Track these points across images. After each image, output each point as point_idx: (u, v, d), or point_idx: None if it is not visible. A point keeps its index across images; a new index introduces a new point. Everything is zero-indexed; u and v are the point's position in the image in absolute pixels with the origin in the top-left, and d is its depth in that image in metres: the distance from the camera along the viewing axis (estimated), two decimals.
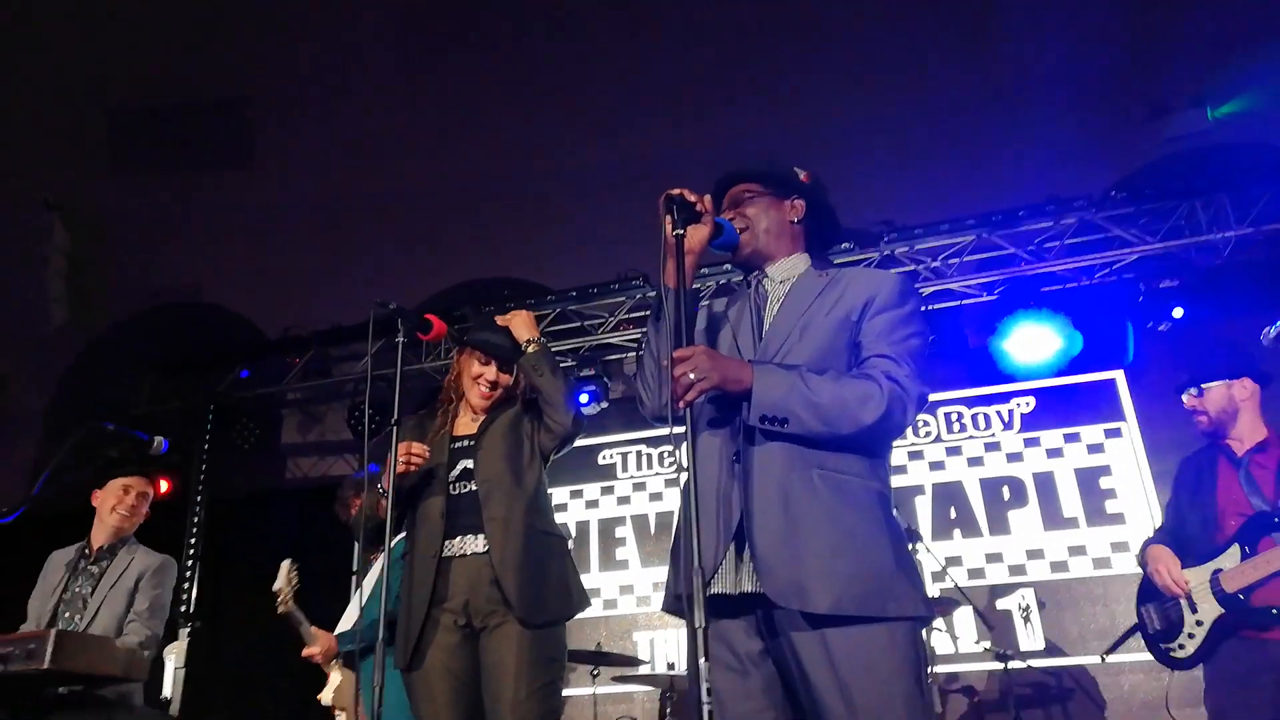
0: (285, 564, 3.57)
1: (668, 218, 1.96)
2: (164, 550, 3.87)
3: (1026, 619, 5.36)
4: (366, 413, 4.72)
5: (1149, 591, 3.30)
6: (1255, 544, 3.01)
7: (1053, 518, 5.53)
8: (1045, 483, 5.63)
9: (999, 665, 4.57)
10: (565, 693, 2.73)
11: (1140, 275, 5.59)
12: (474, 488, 2.72)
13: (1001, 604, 5.44)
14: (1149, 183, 5.60)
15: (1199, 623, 3.09)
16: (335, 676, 3.48)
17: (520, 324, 2.85)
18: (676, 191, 1.97)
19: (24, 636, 2.80)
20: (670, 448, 6.26)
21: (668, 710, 4.62)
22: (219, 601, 6.60)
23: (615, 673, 4.95)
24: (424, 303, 6.74)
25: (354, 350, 6.88)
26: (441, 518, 2.70)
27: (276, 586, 3.53)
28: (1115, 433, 5.59)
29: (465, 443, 2.82)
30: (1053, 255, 5.67)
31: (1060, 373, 5.66)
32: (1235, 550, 3.05)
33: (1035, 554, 5.50)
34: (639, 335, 6.29)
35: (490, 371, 2.87)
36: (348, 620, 3.65)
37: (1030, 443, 5.74)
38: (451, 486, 2.76)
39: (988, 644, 4.73)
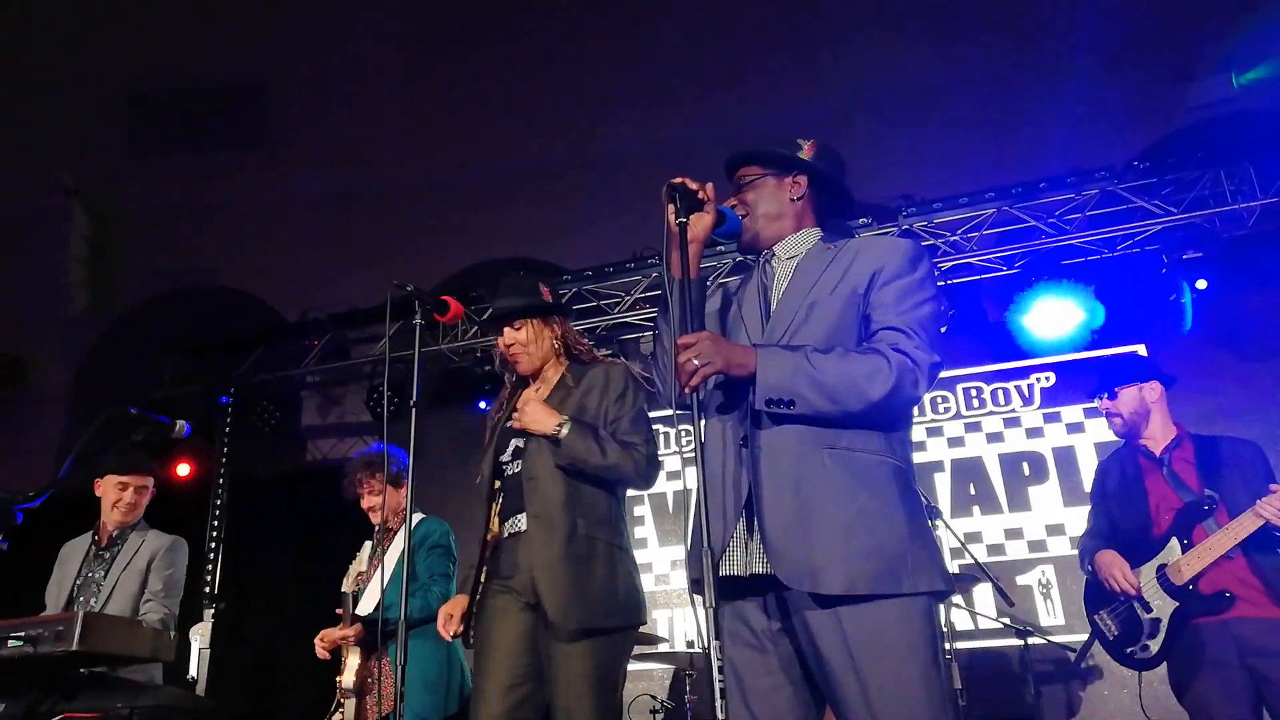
0: (366, 545, 3.63)
1: (670, 206, 1.95)
2: (188, 532, 3.91)
3: (1047, 595, 5.34)
4: (385, 394, 4.74)
5: (1098, 598, 3.38)
6: (1190, 534, 3.13)
7: (1074, 493, 5.49)
8: (1066, 458, 5.58)
9: (1019, 641, 4.56)
10: None
11: (1164, 247, 5.49)
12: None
13: (1022, 580, 5.41)
14: (1172, 152, 5.49)
15: (1156, 620, 3.16)
16: (354, 660, 3.51)
17: (534, 422, 2.61)
18: (678, 180, 1.96)
19: (52, 618, 2.83)
20: (688, 428, 6.25)
21: (687, 688, 4.64)
22: (241, 582, 6.68)
23: (634, 650, 4.97)
24: (440, 284, 6.74)
25: (372, 332, 6.90)
26: (490, 500, 2.70)
27: (357, 568, 3.59)
28: None
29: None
30: (1074, 228, 5.58)
31: (1081, 347, 5.60)
32: (1174, 544, 3.15)
33: (1055, 529, 5.47)
34: (655, 314, 6.25)
35: (506, 338, 2.81)
36: (369, 602, 3.67)
37: (1050, 418, 5.69)
38: (504, 467, 2.72)
39: (1007, 620, 4.72)
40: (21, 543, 2.42)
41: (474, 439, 3.02)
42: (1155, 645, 3.16)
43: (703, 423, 1.85)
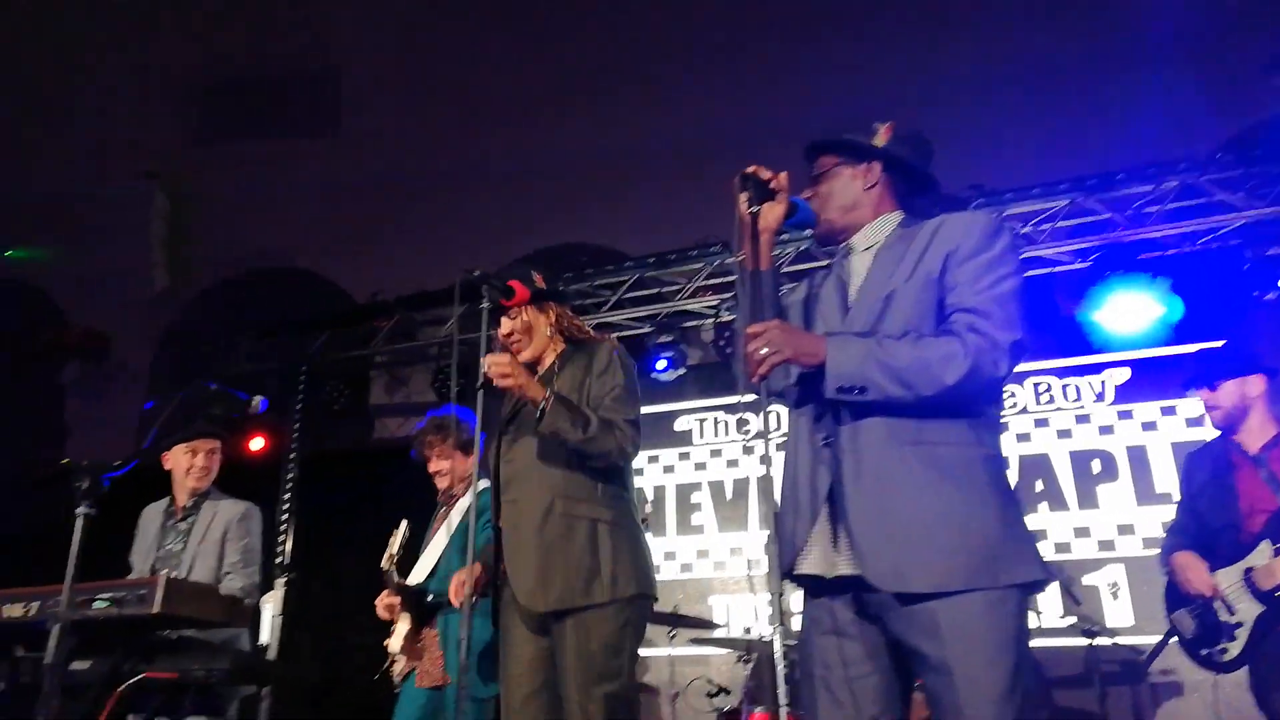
0: (403, 524, 3.65)
1: (743, 195, 1.93)
2: (260, 503, 4.01)
3: (1115, 595, 5.22)
4: (454, 375, 4.82)
5: (1177, 598, 3.28)
6: None
7: (1146, 493, 5.35)
8: (1138, 456, 5.44)
9: (1085, 641, 4.47)
10: (642, 652, 2.68)
11: (1247, 241, 5.29)
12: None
13: (1089, 580, 5.30)
14: (1259, 144, 5.27)
15: (1239, 623, 3.06)
16: (403, 626, 3.57)
17: (528, 387, 2.52)
18: (751, 169, 1.95)
19: (136, 582, 2.97)
20: (747, 415, 6.24)
21: (746, 673, 4.65)
22: (311, 553, 6.88)
23: (692, 635, 5.00)
24: (504, 269, 6.80)
25: (438, 315, 7.01)
26: (497, 490, 2.73)
27: (390, 549, 3.63)
28: None
29: (512, 410, 2.72)
30: (1152, 221, 5.40)
31: (1159, 343, 5.44)
32: (1265, 547, 3.02)
33: (1126, 529, 5.34)
34: (717, 301, 6.25)
35: (503, 327, 2.81)
36: (424, 568, 3.69)
37: (1123, 415, 5.55)
38: (503, 457, 2.76)
39: (1073, 619, 4.63)
40: (104, 509, 2.54)
41: None
42: (1235, 648, 3.07)
43: (774, 411, 1.84)
